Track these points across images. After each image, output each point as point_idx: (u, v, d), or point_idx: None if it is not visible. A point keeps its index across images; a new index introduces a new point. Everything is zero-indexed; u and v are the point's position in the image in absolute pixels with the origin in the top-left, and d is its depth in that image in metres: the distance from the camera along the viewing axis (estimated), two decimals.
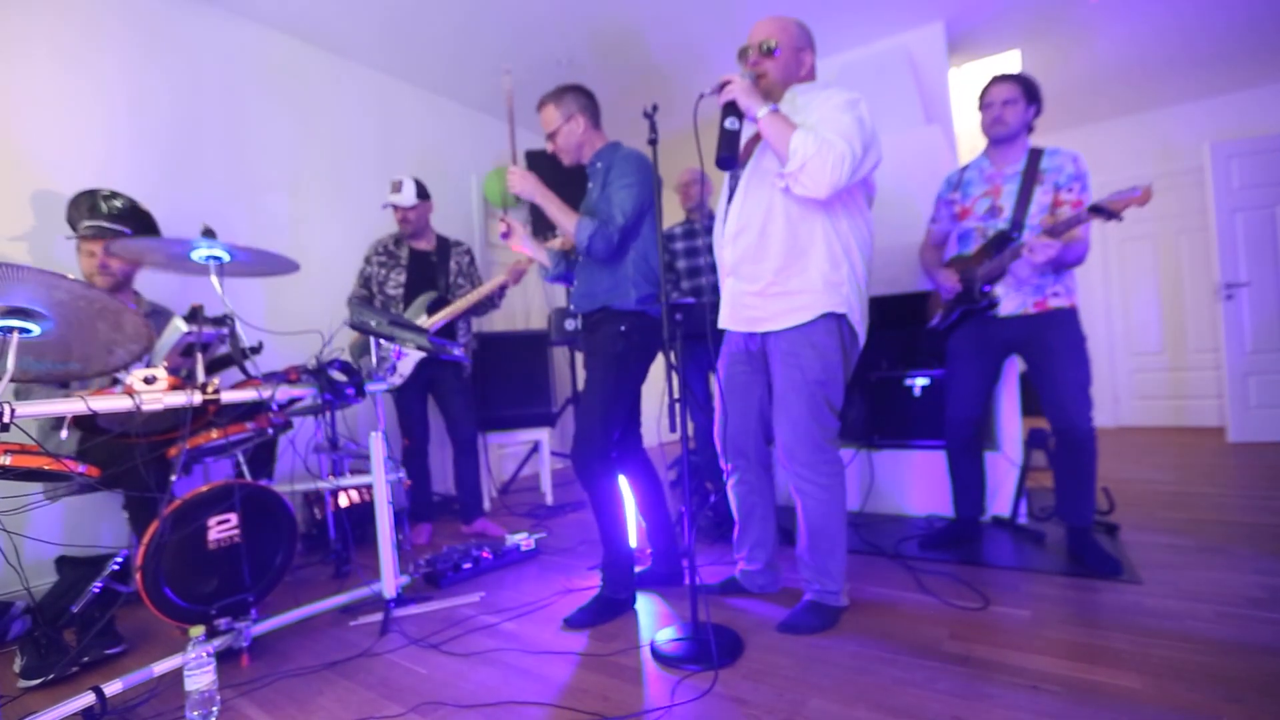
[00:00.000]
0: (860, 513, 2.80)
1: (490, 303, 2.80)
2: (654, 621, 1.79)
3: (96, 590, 1.82)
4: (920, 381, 2.72)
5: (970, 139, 3.59)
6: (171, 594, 1.57)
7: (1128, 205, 1.76)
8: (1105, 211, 1.79)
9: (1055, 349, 2.02)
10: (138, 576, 1.51)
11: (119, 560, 1.88)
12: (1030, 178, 2.04)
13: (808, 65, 1.74)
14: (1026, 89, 2.08)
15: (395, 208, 2.76)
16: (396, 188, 2.75)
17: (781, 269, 1.65)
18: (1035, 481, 2.67)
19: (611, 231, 1.80)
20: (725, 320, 1.81)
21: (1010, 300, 2.09)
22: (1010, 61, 3.74)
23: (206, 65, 2.83)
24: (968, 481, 2.31)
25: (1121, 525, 2.36)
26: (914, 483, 2.76)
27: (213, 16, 2.85)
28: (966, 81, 3.79)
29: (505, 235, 2.02)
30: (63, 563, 1.89)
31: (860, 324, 1.71)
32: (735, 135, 1.56)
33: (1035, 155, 2.06)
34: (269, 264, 1.80)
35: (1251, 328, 3.98)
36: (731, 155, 1.56)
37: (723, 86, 1.58)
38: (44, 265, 2.22)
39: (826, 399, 1.66)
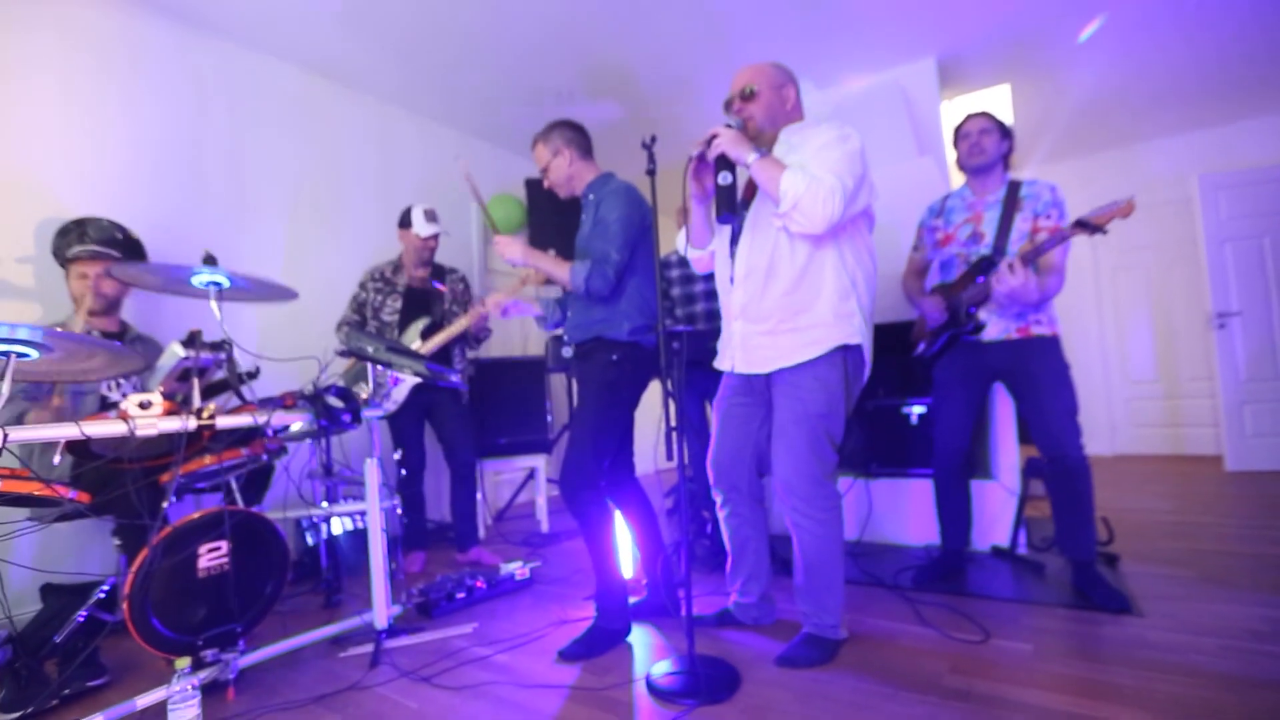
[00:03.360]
0: (858, 542, 2.77)
1: (477, 338, 2.81)
2: (649, 654, 1.76)
3: (81, 619, 1.78)
4: (917, 409, 2.72)
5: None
6: (158, 624, 1.54)
7: (1111, 218, 1.78)
8: (1090, 226, 1.81)
9: (1039, 377, 2.03)
10: (124, 605, 1.48)
11: (105, 588, 1.84)
12: (1010, 205, 2.09)
13: (792, 100, 1.77)
14: (999, 124, 2.17)
15: (430, 237, 2.75)
16: (433, 216, 2.76)
17: (790, 306, 1.64)
18: (1034, 511, 2.65)
19: (607, 269, 1.82)
20: (737, 364, 1.76)
21: (995, 325, 2.11)
22: (1000, 95, 3.83)
23: (212, 94, 2.88)
24: (955, 512, 2.30)
25: (1121, 556, 2.34)
26: (912, 512, 2.74)
27: (219, 48, 2.91)
28: (958, 114, 3.88)
29: (506, 314, 2.06)
30: (47, 590, 1.85)
31: (869, 353, 1.71)
32: (732, 189, 1.58)
33: (1014, 185, 2.12)
34: (268, 290, 1.81)
35: (1245, 356, 4.01)
36: (731, 211, 1.58)
37: (710, 141, 1.59)
38: (49, 288, 2.28)
39: (827, 433, 1.65)
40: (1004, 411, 2.59)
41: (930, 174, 3.07)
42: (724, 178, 1.57)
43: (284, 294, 1.80)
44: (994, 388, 2.49)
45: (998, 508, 2.56)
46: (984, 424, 2.66)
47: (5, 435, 1.21)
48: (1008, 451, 2.59)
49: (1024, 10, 3.01)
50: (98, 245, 2.14)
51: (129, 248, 2.23)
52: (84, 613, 1.78)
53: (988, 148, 2.14)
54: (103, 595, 1.83)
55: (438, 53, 3.17)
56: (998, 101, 3.86)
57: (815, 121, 1.73)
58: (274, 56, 3.11)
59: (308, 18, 2.83)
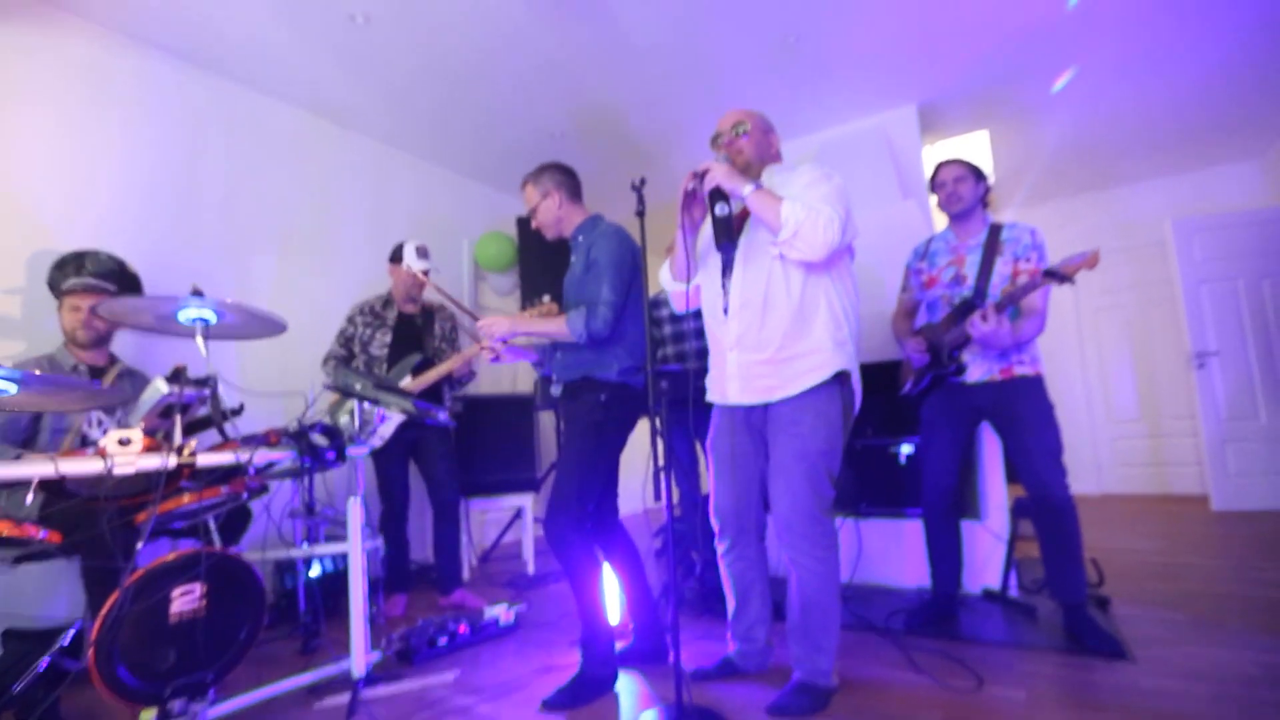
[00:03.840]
0: (850, 584, 2.72)
1: (461, 380, 2.82)
2: (636, 702, 1.71)
3: (43, 667, 1.70)
4: (906, 449, 2.72)
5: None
6: (124, 672, 1.47)
7: (1079, 268, 1.84)
8: (1059, 275, 1.87)
9: (1023, 417, 2.05)
10: (90, 652, 1.42)
11: (71, 633, 1.77)
12: (991, 249, 2.14)
13: (775, 146, 1.85)
14: (972, 168, 2.23)
15: (422, 273, 2.72)
16: (424, 253, 2.75)
17: (789, 334, 1.66)
18: (1024, 552, 2.64)
19: (605, 311, 1.82)
20: (735, 395, 1.75)
21: (977, 367, 2.13)
22: (979, 141, 3.96)
23: (208, 130, 2.92)
24: (945, 552, 2.28)
25: (1112, 598, 2.33)
26: (904, 552, 2.72)
27: (218, 85, 2.96)
28: (939, 159, 4.00)
29: (496, 360, 2.06)
30: (9, 636, 1.77)
31: (858, 384, 1.73)
32: (729, 219, 1.61)
33: (995, 229, 2.17)
34: (256, 325, 1.80)
35: (1224, 395, 4.06)
36: (730, 240, 1.63)
37: (703, 175, 1.63)
38: (37, 320, 2.26)
39: (827, 468, 1.65)
40: (991, 451, 2.60)
41: (914, 217, 3.14)
42: (721, 208, 1.60)
43: (272, 328, 1.79)
44: (981, 427, 2.50)
45: (988, 549, 2.54)
46: (972, 464, 2.66)
47: None
48: (996, 491, 2.59)
49: (999, 60, 3.15)
50: (94, 278, 2.13)
51: (126, 283, 2.22)
52: (46, 660, 1.71)
53: (964, 194, 2.20)
54: (67, 641, 1.75)
55: (432, 93, 3.25)
56: (977, 147, 3.99)
57: (793, 165, 1.80)
58: (271, 95, 3.17)
59: (305, 59, 2.90)
